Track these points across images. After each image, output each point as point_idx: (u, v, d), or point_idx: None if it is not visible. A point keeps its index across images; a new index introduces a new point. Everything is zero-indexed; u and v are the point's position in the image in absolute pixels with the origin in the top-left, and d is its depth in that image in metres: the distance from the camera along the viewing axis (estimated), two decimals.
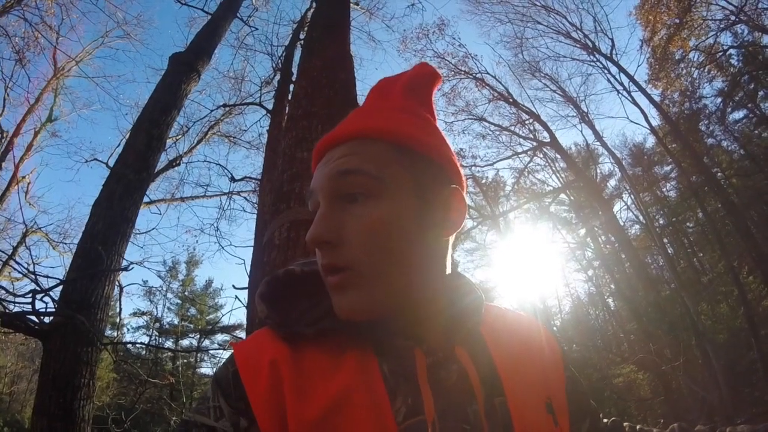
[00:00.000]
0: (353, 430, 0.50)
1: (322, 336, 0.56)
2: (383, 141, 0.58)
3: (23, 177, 14.20)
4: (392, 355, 0.55)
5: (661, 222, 21.27)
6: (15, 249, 11.19)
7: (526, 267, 22.85)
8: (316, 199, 0.59)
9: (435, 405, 0.52)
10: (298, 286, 0.64)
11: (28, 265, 3.52)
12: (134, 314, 20.88)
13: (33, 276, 3.26)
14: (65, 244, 12.01)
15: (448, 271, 0.62)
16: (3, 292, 3.96)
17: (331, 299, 0.56)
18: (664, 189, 22.16)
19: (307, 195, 0.62)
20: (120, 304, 5.08)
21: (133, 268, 4.38)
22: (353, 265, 0.54)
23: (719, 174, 17.14)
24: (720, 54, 14.37)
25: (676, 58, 14.41)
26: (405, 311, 0.56)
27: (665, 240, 19.21)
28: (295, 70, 5.30)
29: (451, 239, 0.62)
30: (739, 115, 18.32)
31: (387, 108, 0.63)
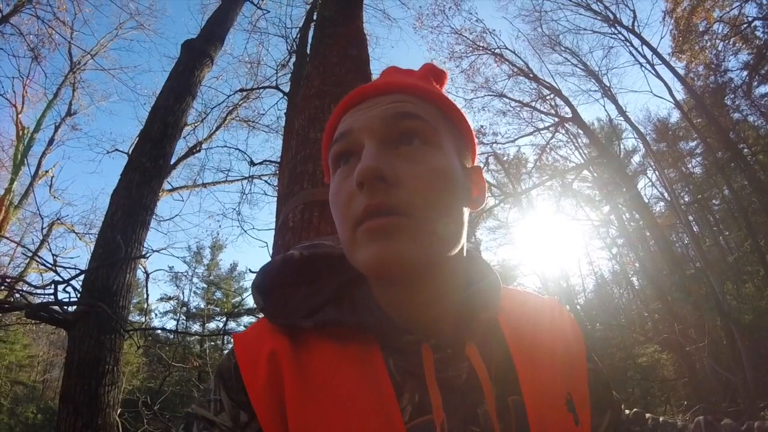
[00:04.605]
0: (358, 428, 0.47)
1: (322, 328, 0.53)
2: (431, 103, 0.57)
3: (46, 171, 14.49)
4: (397, 349, 0.52)
5: (687, 199, 20.78)
6: (41, 243, 11.43)
7: (549, 245, 22.64)
8: (356, 140, 0.53)
9: (443, 404, 0.49)
10: (298, 272, 0.60)
11: (55, 257, 3.59)
12: (161, 299, 21.31)
13: (53, 268, 3.32)
14: (91, 234, 12.26)
15: (464, 251, 0.58)
16: (27, 285, 4.05)
17: (362, 249, 0.49)
18: (690, 165, 21.54)
19: (338, 136, 0.56)
20: (147, 290, 5.18)
21: (150, 255, 4.43)
22: (408, 210, 0.48)
23: (745, 150, 16.63)
24: (745, 26, 13.84)
25: (700, 29, 13.96)
26: (424, 281, 0.52)
27: (690, 218, 18.81)
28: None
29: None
30: (765, 89, 17.63)
31: (424, 80, 0.61)
